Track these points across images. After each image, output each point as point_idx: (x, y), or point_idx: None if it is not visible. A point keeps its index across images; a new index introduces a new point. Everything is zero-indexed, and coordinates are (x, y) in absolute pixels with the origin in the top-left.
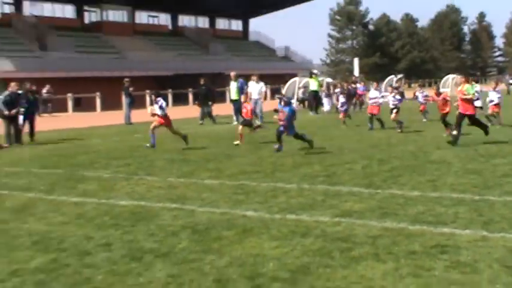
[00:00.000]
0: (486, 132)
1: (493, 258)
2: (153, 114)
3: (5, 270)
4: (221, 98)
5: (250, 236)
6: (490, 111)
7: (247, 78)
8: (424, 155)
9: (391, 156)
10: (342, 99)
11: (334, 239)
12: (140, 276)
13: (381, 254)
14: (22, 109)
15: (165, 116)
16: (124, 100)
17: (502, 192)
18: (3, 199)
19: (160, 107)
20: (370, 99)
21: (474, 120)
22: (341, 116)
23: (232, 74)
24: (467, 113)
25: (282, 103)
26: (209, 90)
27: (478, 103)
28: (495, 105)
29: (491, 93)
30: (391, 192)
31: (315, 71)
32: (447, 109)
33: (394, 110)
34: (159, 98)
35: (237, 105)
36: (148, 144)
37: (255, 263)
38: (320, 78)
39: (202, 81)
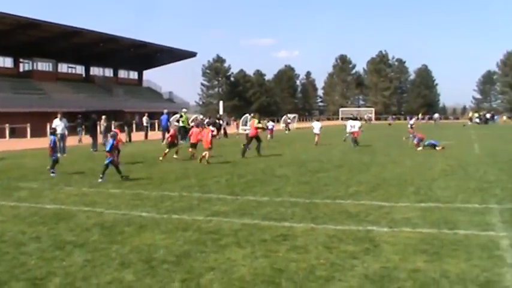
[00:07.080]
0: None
1: (318, 242)
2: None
3: None
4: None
5: (145, 231)
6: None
7: (141, 115)
8: (270, 171)
9: (247, 172)
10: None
11: (207, 232)
12: (63, 261)
13: (241, 242)
14: None
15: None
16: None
17: (324, 197)
18: None
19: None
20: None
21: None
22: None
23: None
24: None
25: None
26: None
27: None
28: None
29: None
30: (247, 198)
31: (184, 110)
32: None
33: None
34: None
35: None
36: None
37: (149, 250)
38: (189, 115)
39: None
